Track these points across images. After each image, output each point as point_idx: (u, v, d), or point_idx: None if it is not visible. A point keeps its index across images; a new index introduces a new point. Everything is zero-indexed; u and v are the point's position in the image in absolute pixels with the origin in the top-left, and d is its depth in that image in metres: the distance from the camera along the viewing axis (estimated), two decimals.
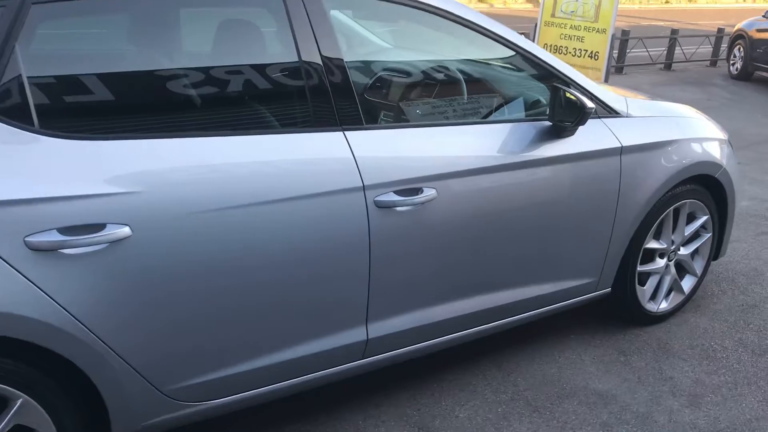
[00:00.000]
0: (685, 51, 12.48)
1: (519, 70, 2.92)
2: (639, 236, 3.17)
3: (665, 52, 12.46)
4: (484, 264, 2.68)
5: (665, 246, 3.33)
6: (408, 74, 3.02)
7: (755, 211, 5.22)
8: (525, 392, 2.92)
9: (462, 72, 2.91)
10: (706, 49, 13.25)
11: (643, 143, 3.02)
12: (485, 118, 2.86)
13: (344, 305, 2.37)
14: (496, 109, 2.89)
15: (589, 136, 2.86)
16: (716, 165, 3.32)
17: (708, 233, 3.50)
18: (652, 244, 3.28)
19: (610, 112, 2.98)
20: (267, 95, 2.34)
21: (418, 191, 2.38)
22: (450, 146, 2.51)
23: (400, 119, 2.73)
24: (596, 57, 8.28)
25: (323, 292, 2.30)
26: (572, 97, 2.63)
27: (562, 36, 8.58)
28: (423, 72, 3.03)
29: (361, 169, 2.26)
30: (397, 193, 2.33)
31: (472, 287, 2.69)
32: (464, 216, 2.52)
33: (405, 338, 2.57)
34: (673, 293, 3.51)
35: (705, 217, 3.43)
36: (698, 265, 3.56)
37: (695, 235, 3.50)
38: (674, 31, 12.47)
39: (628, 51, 11.79)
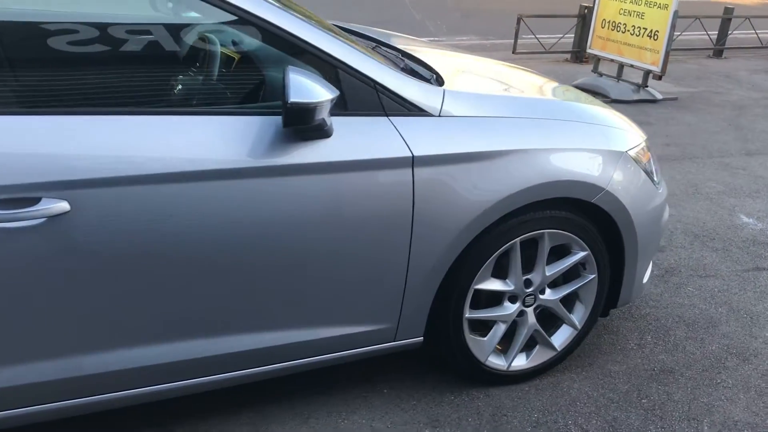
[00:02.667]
0: None
1: (260, 40, 2.22)
2: (462, 273, 2.40)
3: None
4: (191, 301, 2.05)
5: (513, 288, 2.53)
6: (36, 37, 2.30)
7: (757, 236, 4.14)
8: None
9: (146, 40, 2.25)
10: None
11: (452, 153, 2.25)
12: (186, 106, 2.20)
13: None
14: (204, 93, 2.22)
15: (361, 140, 2.14)
16: (592, 186, 2.46)
17: (591, 275, 2.64)
18: (491, 285, 2.49)
19: (410, 109, 2.22)
20: None
21: (31, 202, 1.78)
22: (104, 142, 1.88)
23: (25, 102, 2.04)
24: (655, 36, 7.14)
25: None
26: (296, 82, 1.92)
27: (621, 12, 7.50)
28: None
29: None
30: None
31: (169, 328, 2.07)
32: (133, 236, 1.90)
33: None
34: (538, 347, 2.69)
35: (582, 254, 2.58)
36: (578, 315, 2.72)
37: (573, 276, 2.66)
38: None
39: (730, 32, 10.26)
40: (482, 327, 2.60)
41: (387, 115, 2.19)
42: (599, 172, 2.49)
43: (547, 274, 2.56)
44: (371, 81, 2.16)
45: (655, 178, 2.76)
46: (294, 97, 1.88)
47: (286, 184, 2.05)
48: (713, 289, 3.50)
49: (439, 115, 2.27)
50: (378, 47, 2.85)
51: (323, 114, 1.96)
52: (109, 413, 2.22)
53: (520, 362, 2.67)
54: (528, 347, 2.68)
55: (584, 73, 8.24)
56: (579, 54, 9.08)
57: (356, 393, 2.60)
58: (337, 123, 2.10)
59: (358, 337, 2.34)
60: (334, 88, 2.00)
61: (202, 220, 1.95)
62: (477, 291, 2.47)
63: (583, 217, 2.52)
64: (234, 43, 2.46)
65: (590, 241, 2.56)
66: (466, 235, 2.31)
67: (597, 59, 7.88)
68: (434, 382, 2.67)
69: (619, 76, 7.64)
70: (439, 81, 2.47)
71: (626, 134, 2.68)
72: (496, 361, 2.62)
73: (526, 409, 2.57)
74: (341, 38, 2.21)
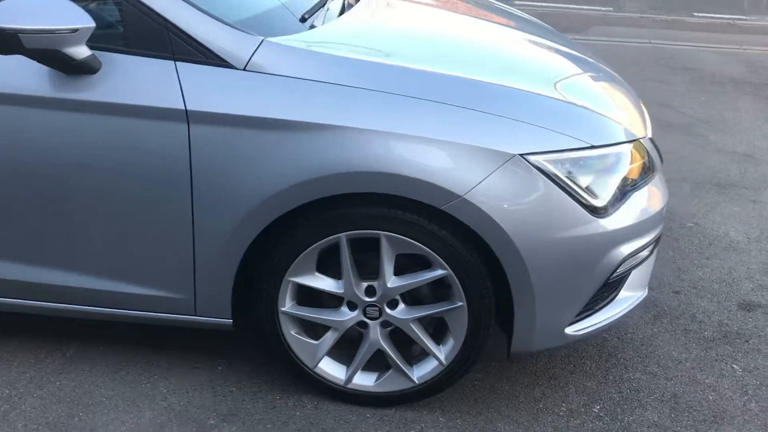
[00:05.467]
0: None
1: None
2: (273, 260, 2.07)
3: None
4: None
5: (342, 291, 2.11)
6: None
7: None
8: None
9: None
10: None
11: (242, 116, 1.93)
12: None
13: None
14: None
15: (132, 83, 1.94)
16: (440, 190, 1.92)
17: (459, 301, 2.09)
18: (315, 282, 2.11)
19: (208, 56, 1.93)
20: None
21: None
22: None
23: None
24: None
25: None
26: None
27: None
28: None
29: None
30: None
31: None
32: None
33: None
34: (391, 372, 2.23)
35: (440, 272, 2.05)
36: (444, 349, 2.18)
37: (440, 296, 2.13)
38: None
39: None
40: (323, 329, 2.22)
41: (174, 60, 1.92)
42: (459, 174, 1.93)
43: (389, 285, 2.08)
44: (160, 18, 1.91)
45: (602, 201, 2.05)
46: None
47: (47, 118, 1.93)
48: None
49: (244, 69, 1.93)
50: None
51: (46, 44, 1.78)
52: None
53: (366, 382, 2.24)
54: (385, 368, 2.23)
55: None
56: None
57: (189, 362, 2.43)
58: (112, 60, 1.91)
59: (156, 301, 2.16)
60: (87, 18, 1.81)
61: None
62: (304, 287, 2.11)
63: (445, 229, 1.98)
64: None
65: (452, 260, 2.01)
66: (260, 215, 1.98)
67: None
68: (275, 375, 2.37)
69: None
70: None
71: (552, 135, 2.02)
72: (332, 372, 2.23)
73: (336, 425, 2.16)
74: None
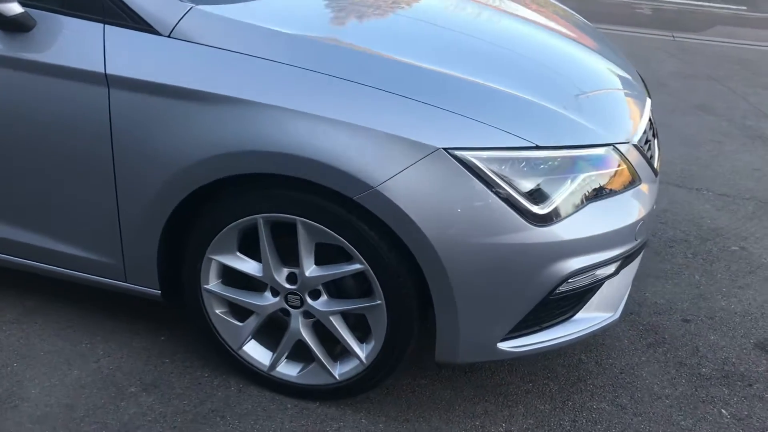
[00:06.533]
0: None
1: None
2: (194, 235, 2.03)
3: None
4: None
5: (261, 275, 2.04)
6: None
7: None
8: None
9: None
10: None
11: (158, 83, 1.88)
12: None
13: None
14: None
15: (61, 43, 1.95)
16: (351, 179, 1.79)
17: (378, 299, 1.96)
18: (236, 263, 2.05)
19: (137, 21, 1.90)
20: None
21: None
22: None
23: None
24: None
25: None
26: None
27: None
28: None
29: None
30: None
31: None
32: None
33: None
34: (314, 365, 2.14)
35: (356, 266, 1.93)
36: (367, 348, 2.06)
37: (364, 291, 2.02)
38: None
39: None
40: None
41: (104, 23, 1.91)
42: (376, 163, 1.79)
43: (307, 274, 1.98)
44: None
45: (545, 208, 1.85)
46: None
47: None
48: None
49: (169, 36, 1.88)
50: None
51: None
52: None
53: (289, 372, 2.16)
54: (310, 360, 2.14)
55: None
56: None
57: (135, 328, 2.44)
58: (47, 20, 1.93)
59: (91, 264, 2.18)
60: None
61: None
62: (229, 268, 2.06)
63: (362, 221, 1.86)
64: None
65: (370, 255, 1.88)
66: (177, 185, 1.93)
67: None
68: (214, 353, 2.32)
69: None
70: None
71: (489, 130, 1.84)
72: (257, 356, 2.16)
73: (258, 429, 2.09)
74: None
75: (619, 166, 2.01)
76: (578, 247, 1.90)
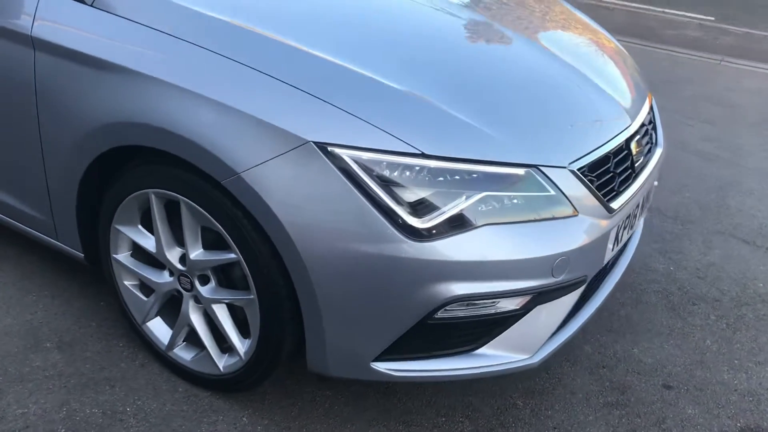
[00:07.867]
0: None
1: None
2: (104, 203, 2.08)
3: None
4: None
5: (154, 251, 2.04)
6: None
7: None
8: None
9: None
10: None
11: (71, 49, 1.94)
12: None
13: None
14: None
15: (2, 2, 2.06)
16: (217, 162, 1.74)
17: (251, 294, 1.90)
18: (134, 235, 2.07)
19: None
20: None
21: None
22: None
23: None
24: None
25: None
26: None
27: None
28: None
29: None
30: None
31: None
32: None
33: None
34: (204, 353, 2.11)
35: (231, 256, 1.88)
36: (246, 343, 1.99)
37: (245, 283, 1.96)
38: None
39: None
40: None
41: None
42: (244, 150, 1.72)
43: (191, 257, 1.95)
44: None
45: (425, 222, 1.70)
46: None
47: None
48: None
49: (92, 5, 1.94)
50: None
51: None
52: None
53: (185, 355, 2.14)
54: (203, 346, 2.11)
55: None
56: None
57: (81, 285, 2.52)
58: None
59: (22, 216, 2.29)
60: None
61: None
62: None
63: (237, 208, 1.80)
64: None
65: (242, 244, 1.82)
66: (83, 151, 1.98)
67: None
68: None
69: None
70: None
71: (371, 130, 1.71)
72: (158, 334, 2.17)
73: (139, 404, 2.09)
74: None
75: (542, 191, 1.80)
76: (464, 271, 1.72)
